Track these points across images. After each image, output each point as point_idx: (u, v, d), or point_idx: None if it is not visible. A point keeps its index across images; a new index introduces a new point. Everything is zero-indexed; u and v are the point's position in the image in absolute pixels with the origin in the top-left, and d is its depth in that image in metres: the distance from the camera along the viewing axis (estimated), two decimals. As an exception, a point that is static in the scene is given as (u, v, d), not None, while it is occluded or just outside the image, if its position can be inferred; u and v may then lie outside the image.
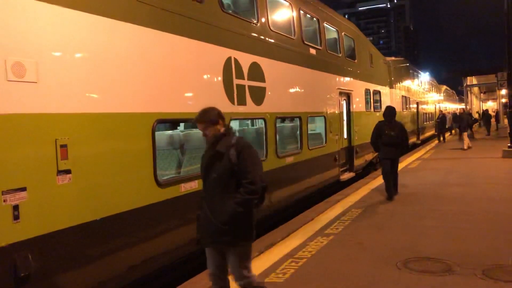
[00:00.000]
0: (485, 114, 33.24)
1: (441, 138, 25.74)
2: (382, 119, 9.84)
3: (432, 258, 5.59)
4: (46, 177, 3.98)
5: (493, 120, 34.92)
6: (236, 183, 3.66)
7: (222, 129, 3.85)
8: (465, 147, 20.23)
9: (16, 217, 3.71)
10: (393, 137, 9.37)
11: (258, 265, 5.60)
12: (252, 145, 3.84)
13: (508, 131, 17.83)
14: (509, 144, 16.62)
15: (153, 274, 5.39)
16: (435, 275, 5.03)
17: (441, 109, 30.26)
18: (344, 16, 17.48)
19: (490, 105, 77.01)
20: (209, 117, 3.85)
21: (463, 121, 21.84)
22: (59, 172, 4.08)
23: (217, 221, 3.63)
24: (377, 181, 12.05)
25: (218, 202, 3.66)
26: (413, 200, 9.32)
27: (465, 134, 20.93)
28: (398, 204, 9.01)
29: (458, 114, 27.81)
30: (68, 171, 4.16)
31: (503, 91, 29.29)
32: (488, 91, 52.91)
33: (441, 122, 25.68)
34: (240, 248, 3.75)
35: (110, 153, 4.68)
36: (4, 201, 3.64)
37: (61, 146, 4.10)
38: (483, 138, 27.60)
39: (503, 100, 37.66)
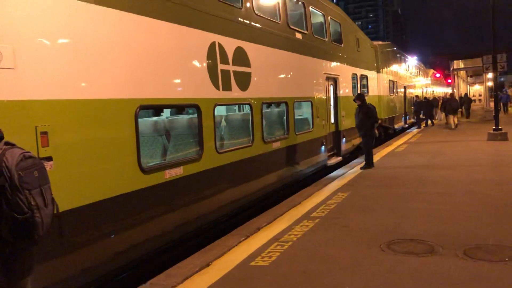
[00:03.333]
0: (463, 98, 33.46)
1: (422, 125, 25.57)
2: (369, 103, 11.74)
3: (416, 240, 5.68)
4: (26, 165, 3.94)
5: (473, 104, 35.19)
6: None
7: None
8: (453, 126, 22.37)
9: (-4, 205, 3.67)
10: (358, 119, 11.49)
11: (244, 249, 5.66)
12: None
13: (493, 114, 18.06)
14: (494, 127, 16.82)
15: (136, 261, 5.40)
16: (417, 256, 5.12)
17: (417, 95, 29.44)
18: (333, 1, 17.35)
19: (477, 89, 77.61)
20: None
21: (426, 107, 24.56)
22: (40, 159, 4.03)
23: None
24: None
25: None
26: (399, 183, 9.43)
27: (452, 117, 22.83)
28: (384, 187, 9.10)
29: (423, 100, 27.47)
30: (49, 158, 4.12)
31: (489, 75, 29.52)
32: (475, 75, 53.23)
33: (417, 109, 25.84)
34: None
35: (93, 139, 4.65)
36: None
37: (42, 133, 4.06)
38: (468, 122, 27.90)
39: (489, 84, 37.98)
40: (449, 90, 46.41)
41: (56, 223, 4.16)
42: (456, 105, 23.31)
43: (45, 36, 4.19)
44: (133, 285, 5.15)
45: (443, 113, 25.98)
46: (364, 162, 11.70)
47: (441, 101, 31.77)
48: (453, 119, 22.77)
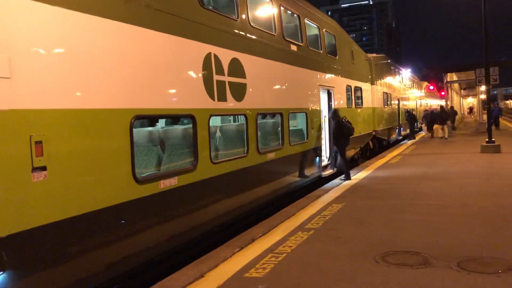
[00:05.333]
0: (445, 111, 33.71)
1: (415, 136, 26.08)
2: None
3: (410, 251, 5.68)
4: (20, 174, 3.93)
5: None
6: None
7: None
8: (446, 136, 23.83)
9: (-11, 215, 3.65)
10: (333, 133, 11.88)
11: (238, 261, 5.63)
12: None
13: (487, 127, 18.21)
14: (487, 139, 16.94)
15: (130, 272, 5.36)
16: (412, 268, 5.11)
17: (407, 108, 28.94)
18: (327, 13, 17.55)
19: (470, 101, 78.46)
20: None
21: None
22: (34, 169, 4.02)
23: None
24: (358, 177, 12.19)
25: None
26: (393, 195, 9.45)
27: (444, 127, 24.50)
28: (378, 199, 9.12)
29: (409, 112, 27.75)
30: (43, 168, 4.10)
31: (482, 87, 29.82)
32: (468, 88, 53.74)
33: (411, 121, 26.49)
34: None
35: (87, 149, 4.63)
36: (-23, 198, 3.59)
37: (36, 142, 4.05)
38: (462, 134, 28.13)
39: (482, 96, 38.29)
40: (439, 102, 46.80)
41: (50, 233, 4.16)
42: (446, 117, 24.97)
43: (41, 45, 4.20)
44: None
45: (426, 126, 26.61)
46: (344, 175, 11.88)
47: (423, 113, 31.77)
48: (442, 130, 24.29)
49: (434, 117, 25.74)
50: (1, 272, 3.74)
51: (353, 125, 12.19)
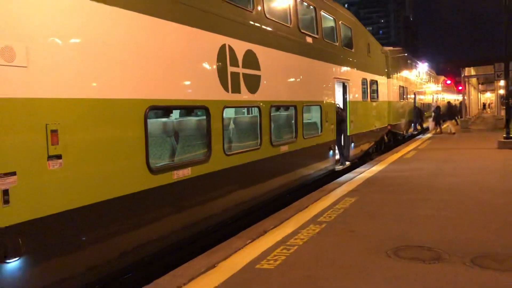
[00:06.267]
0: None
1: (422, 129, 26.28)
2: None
3: (423, 246, 5.64)
4: (36, 162, 3.99)
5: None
6: None
7: None
8: (453, 131, 24.33)
9: (5, 202, 3.72)
10: None
11: (250, 252, 5.65)
12: None
13: (505, 123, 17.90)
14: (504, 135, 16.66)
15: (142, 261, 5.42)
16: (424, 263, 5.08)
17: (417, 104, 27.56)
18: (344, 6, 17.33)
19: (488, 96, 77.13)
20: None
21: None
22: (50, 157, 4.08)
23: None
24: (372, 170, 12.12)
25: None
26: (407, 190, 9.37)
27: (451, 122, 25.73)
28: (392, 193, 9.05)
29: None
30: (59, 156, 4.16)
31: (501, 82, 29.28)
32: (486, 82, 52.78)
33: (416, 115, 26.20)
34: None
35: (102, 139, 4.68)
36: (-6, 185, 3.66)
37: (52, 131, 4.10)
38: (478, 129, 27.73)
39: (501, 91, 37.54)
40: (456, 97, 46.11)
41: (65, 220, 4.23)
42: (455, 112, 26.42)
43: (57, 35, 4.24)
44: (138, 285, 5.17)
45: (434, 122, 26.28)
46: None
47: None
48: (452, 125, 25.09)
49: (440, 113, 25.71)
50: (18, 258, 3.82)
51: (368, 119, 12.30)
